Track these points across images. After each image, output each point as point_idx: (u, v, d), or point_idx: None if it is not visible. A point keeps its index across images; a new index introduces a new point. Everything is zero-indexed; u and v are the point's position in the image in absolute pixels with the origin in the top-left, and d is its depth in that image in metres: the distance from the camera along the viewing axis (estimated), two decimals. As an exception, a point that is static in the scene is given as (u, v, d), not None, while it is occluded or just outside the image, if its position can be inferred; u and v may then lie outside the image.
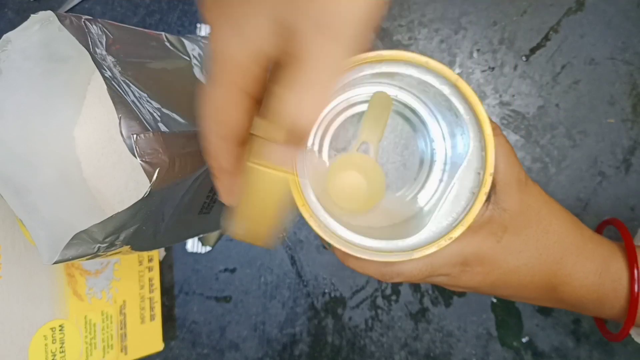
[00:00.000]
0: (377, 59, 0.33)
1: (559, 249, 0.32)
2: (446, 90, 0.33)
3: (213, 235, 0.50)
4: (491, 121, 0.31)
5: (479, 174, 0.33)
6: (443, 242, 0.32)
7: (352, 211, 0.39)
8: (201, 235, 0.47)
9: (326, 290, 0.48)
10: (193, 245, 0.50)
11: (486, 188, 0.32)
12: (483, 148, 0.33)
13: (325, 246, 0.48)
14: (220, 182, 0.28)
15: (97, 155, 0.42)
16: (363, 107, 0.38)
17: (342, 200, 0.38)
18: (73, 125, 0.42)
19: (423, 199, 0.39)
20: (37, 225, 0.35)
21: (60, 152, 0.41)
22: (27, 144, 0.39)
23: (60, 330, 0.41)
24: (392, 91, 0.38)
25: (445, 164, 0.39)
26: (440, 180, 0.39)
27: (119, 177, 0.41)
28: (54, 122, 0.41)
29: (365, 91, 0.38)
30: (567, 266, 0.33)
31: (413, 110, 0.38)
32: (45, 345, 0.40)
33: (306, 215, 0.32)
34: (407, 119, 0.39)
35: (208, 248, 0.50)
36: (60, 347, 0.41)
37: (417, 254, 0.32)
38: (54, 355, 0.40)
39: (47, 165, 0.40)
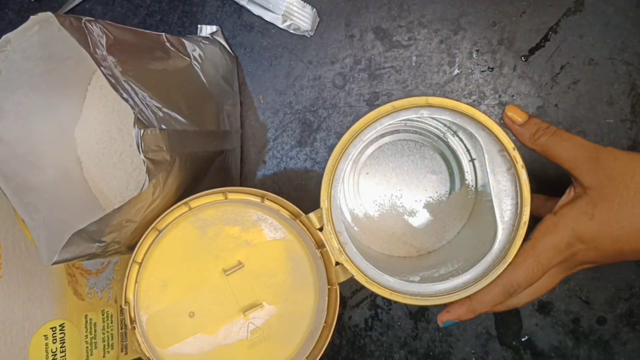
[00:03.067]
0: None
1: None
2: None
3: None
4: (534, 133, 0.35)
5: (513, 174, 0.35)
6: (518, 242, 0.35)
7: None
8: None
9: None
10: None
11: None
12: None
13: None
14: None
15: (98, 155, 0.42)
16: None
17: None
18: (74, 125, 0.42)
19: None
20: (38, 225, 0.35)
21: (61, 151, 0.41)
22: (28, 144, 0.39)
23: (60, 329, 0.41)
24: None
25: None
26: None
27: (120, 177, 0.41)
28: (55, 121, 0.41)
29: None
30: None
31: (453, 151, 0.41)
32: (46, 344, 0.40)
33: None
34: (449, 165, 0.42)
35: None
36: (61, 347, 0.41)
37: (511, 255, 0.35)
38: (55, 355, 0.40)
39: (48, 164, 0.40)
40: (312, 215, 0.37)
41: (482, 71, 0.46)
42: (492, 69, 0.46)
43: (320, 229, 0.37)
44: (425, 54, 0.47)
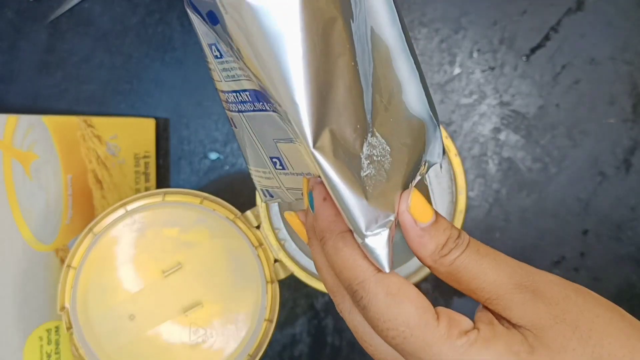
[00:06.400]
0: None
1: None
2: None
3: None
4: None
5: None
6: None
7: None
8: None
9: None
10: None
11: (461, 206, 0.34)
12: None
13: None
14: None
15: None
16: None
17: None
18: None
19: None
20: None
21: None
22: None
23: (56, 331, 0.41)
24: None
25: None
26: None
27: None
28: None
29: None
30: None
31: None
32: (41, 346, 0.40)
33: None
34: None
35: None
36: (56, 349, 0.41)
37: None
38: (49, 357, 0.40)
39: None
40: (249, 213, 0.38)
41: (483, 71, 0.46)
42: (493, 68, 0.46)
43: (258, 227, 0.38)
44: (426, 53, 0.47)
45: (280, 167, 0.24)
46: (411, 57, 0.23)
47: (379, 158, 0.22)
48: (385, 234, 0.21)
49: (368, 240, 0.21)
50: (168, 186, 0.49)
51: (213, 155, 0.49)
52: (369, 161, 0.21)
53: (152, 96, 0.49)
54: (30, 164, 0.40)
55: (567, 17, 0.45)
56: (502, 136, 0.46)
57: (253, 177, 0.26)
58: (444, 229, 0.22)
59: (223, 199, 0.39)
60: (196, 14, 0.21)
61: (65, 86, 0.49)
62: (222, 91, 0.23)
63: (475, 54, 0.46)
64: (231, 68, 0.22)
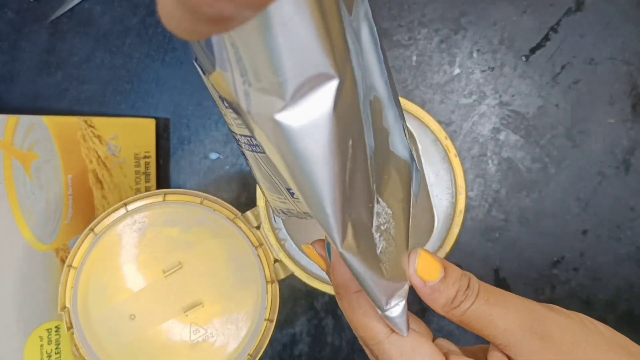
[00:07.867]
0: None
1: None
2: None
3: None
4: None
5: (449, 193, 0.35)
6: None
7: None
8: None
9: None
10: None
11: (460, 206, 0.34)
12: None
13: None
14: None
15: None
16: None
17: None
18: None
19: None
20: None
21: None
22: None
23: (56, 331, 0.41)
24: None
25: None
26: None
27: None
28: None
29: None
30: None
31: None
32: (41, 346, 0.40)
33: None
34: None
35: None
36: (56, 348, 0.40)
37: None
38: (50, 356, 0.40)
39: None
40: (249, 213, 0.38)
41: (483, 71, 0.46)
42: (493, 68, 0.46)
43: (258, 227, 0.38)
44: (426, 53, 0.47)
45: (298, 197, 0.24)
46: (395, 106, 0.23)
47: (385, 226, 0.22)
48: (402, 303, 0.22)
49: (388, 312, 0.22)
50: (168, 186, 0.49)
51: (213, 155, 0.49)
52: (379, 234, 0.22)
53: (152, 96, 0.49)
54: (30, 164, 0.40)
55: (567, 18, 0.45)
56: (501, 136, 0.46)
57: (267, 197, 0.26)
58: (453, 282, 0.23)
59: (223, 199, 0.39)
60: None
61: (66, 86, 0.49)
62: (234, 132, 0.22)
63: (474, 54, 0.46)
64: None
